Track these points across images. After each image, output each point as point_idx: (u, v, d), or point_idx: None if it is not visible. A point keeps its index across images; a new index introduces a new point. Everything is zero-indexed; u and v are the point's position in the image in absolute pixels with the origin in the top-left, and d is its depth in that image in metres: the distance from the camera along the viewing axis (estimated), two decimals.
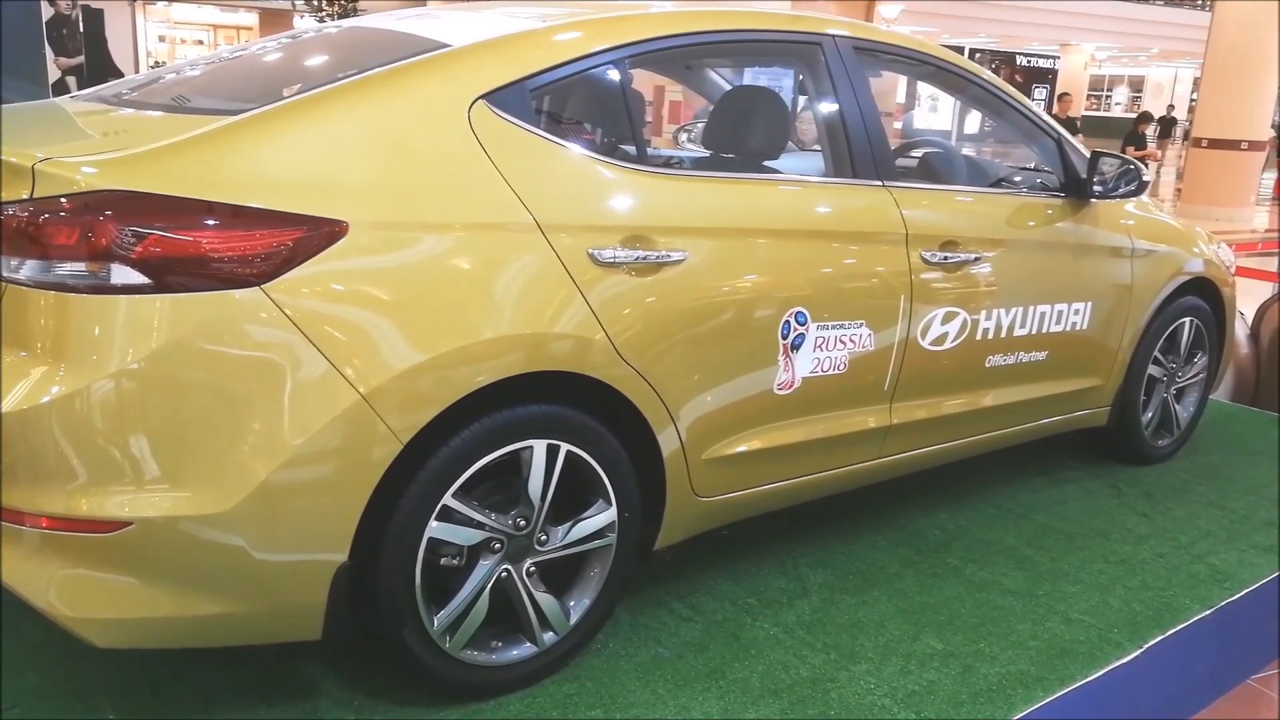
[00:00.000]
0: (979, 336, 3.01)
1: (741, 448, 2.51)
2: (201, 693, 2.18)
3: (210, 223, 1.75)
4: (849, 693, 2.31)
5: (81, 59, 6.85)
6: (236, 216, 1.77)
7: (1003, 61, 32.48)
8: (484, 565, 2.15)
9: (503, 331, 2.00)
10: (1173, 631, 2.67)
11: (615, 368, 2.18)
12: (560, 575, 2.33)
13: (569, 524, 2.25)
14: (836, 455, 2.79)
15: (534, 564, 2.22)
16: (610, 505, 2.29)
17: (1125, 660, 2.52)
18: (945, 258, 2.83)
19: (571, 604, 2.32)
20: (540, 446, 2.14)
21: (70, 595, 1.80)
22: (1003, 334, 3.09)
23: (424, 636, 2.08)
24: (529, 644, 2.25)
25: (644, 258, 2.22)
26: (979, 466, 3.62)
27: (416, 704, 2.18)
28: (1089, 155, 3.32)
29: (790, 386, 2.57)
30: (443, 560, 2.12)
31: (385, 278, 1.89)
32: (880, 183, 2.76)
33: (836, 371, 2.65)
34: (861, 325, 2.66)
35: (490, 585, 2.15)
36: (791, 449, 2.63)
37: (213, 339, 1.76)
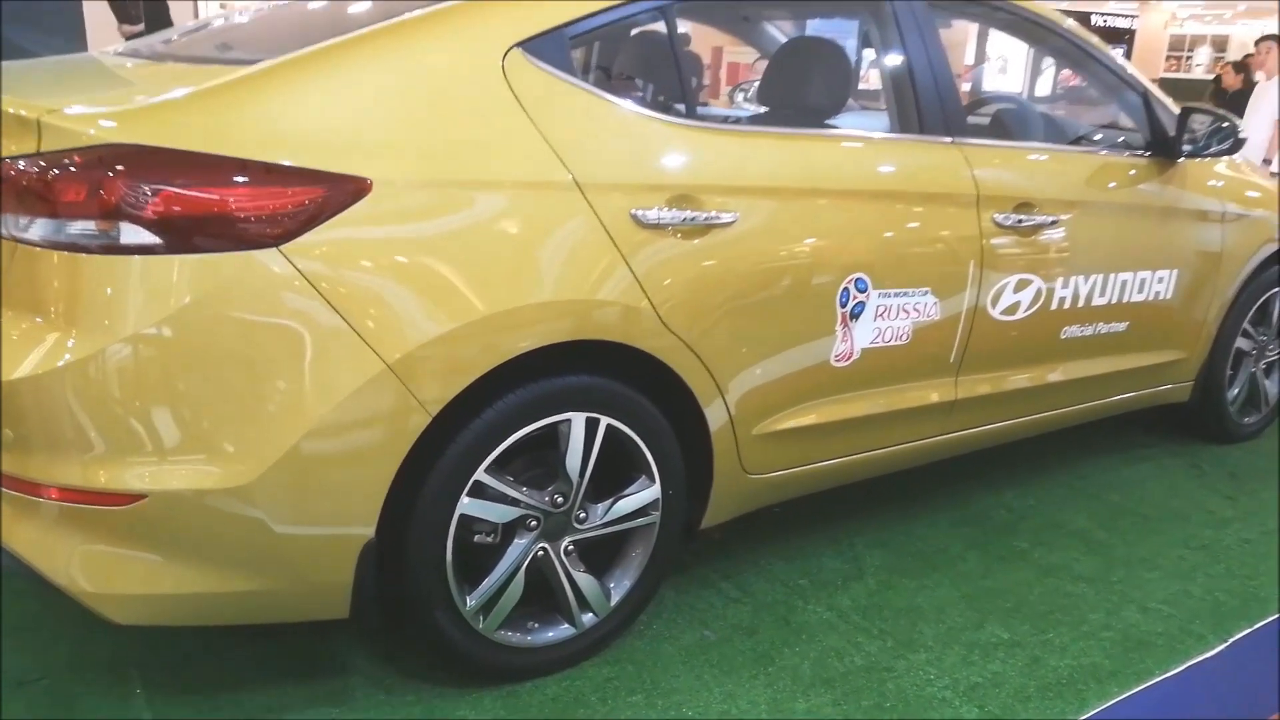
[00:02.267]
0: (1054, 306, 2.81)
1: (795, 423, 2.36)
2: (231, 667, 2.12)
3: (224, 179, 1.64)
4: (907, 683, 2.17)
5: (143, 26, 6.83)
6: (251, 173, 1.66)
7: (1077, 21, 31.26)
8: (519, 543, 2.04)
9: (536, 299, 1.88)
10: (1260, 625, 2.48)
11: (659, 338, 2.05)
12: (601, 555, 2.22)
13: (609, 501, 2.14)
14: (897, 431, 2.63)
15: (572, 542, 2.11)
16: (653, 482, 2.17)
17: (1208, 655, 2.34)
18: (1019, 221, 2.64)
19: (612, 585, 2.21)
20: (579, 420, 2.02)
21: (89, 570, 1.73)
22: (1080, 303, 2.88)
23: (456, 617, 1.98)
24: (567, 625, 2.15)
25: (692, 219, 2.07)
26: (1048, 443, 3.42)
27: (450, 684, 2.09)
28: (1178, 111, 3.08)
29: (848, 358, 2.41)
30: (476, 538, 2.02)
31: (409, 240, 1.77)
32: (950, 139, 2.57)
33: (899, 342, 2.49)
34: (927, 293, 2.49)
35: (526, 564, 2.05)
36: (849, 424, 2.48)
37: (229, 303, 1.66)
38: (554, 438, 2.02)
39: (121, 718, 1.95)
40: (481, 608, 2.02)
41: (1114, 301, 2.98)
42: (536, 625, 2.13)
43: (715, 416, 2.20)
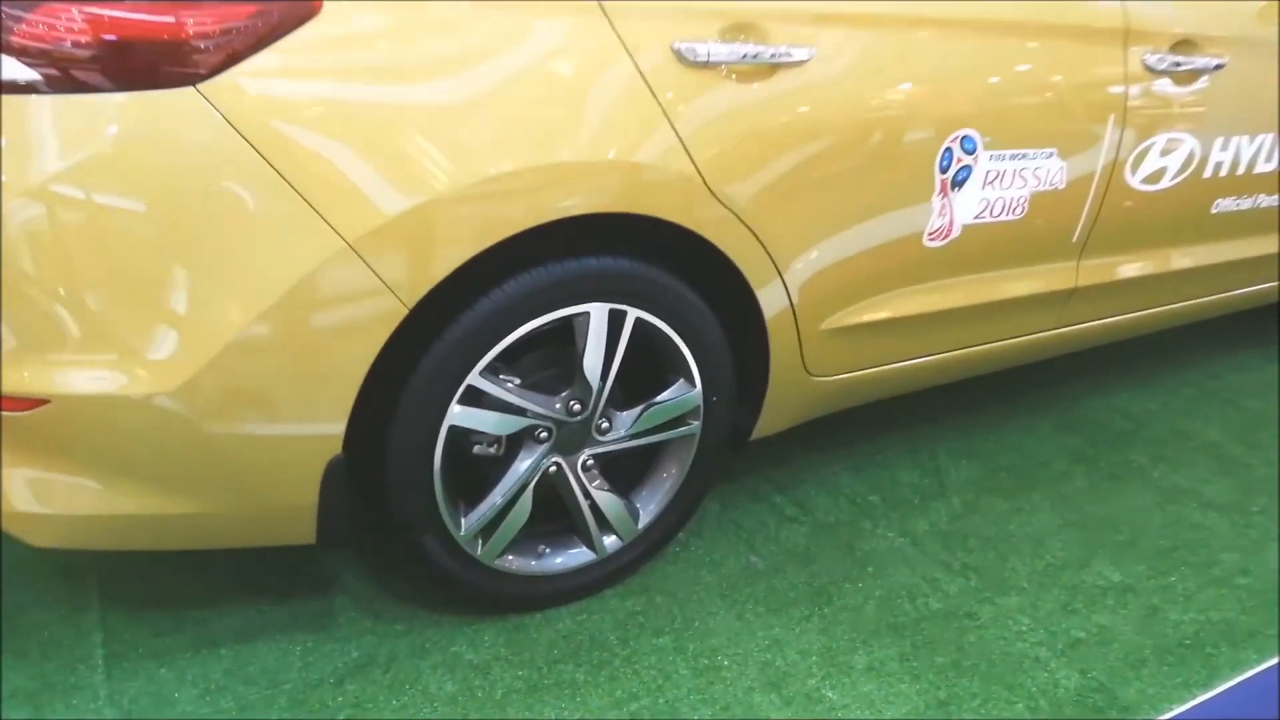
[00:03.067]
0: (1208, 173, 2.27)
1: (873, 315, 1.93)
2: (203, 580, 1.85)
3: None
4: (991, 636, 1.80)
5: None
6: None
7: None
8: (526, 458, 1.69)
9: (537, 161, 1.45)
10: None
11: (705, 209, 1.61)
12: (630, 470, 1.86)
13: (639, 409, 1.76)
14: (1000, 325, 2.17)
15: (593, 456, 1.75)
16: (693, 386, 1.78)
17: None
18: (1176, 63, 2.08)
19: (641, 505, 1.86)
20: (599, 312, 1.62)
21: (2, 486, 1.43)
22: (1239, 170, 2.33)
23: (448, 542, 1.66)
24: (586, 549, 1.82)
25: (754, 56, 1.59)
26: (1175, 338, 2.92)
27: (448, 610, 1.80)
28: None
29: (946, 235, 1.94)
30: (476, 449, 1.67)
31: (372, 79, 1.35)
32: None
33: (1010, 217, 2.00)
34: (1051, 155, 1.98)
35: (535, 481, 1.70)
36: (941, 318, 2.03)
37: (134, 159, 1.28)
38: (571, 333, 1.64)
39: (69, 636, 1.70)
40: (481, 531, 1.69)
41: None
42: (548, 549, 1.80)
43: (773, 307, 1.78)
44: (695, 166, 1.57)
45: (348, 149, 1.35)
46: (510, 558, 1.75)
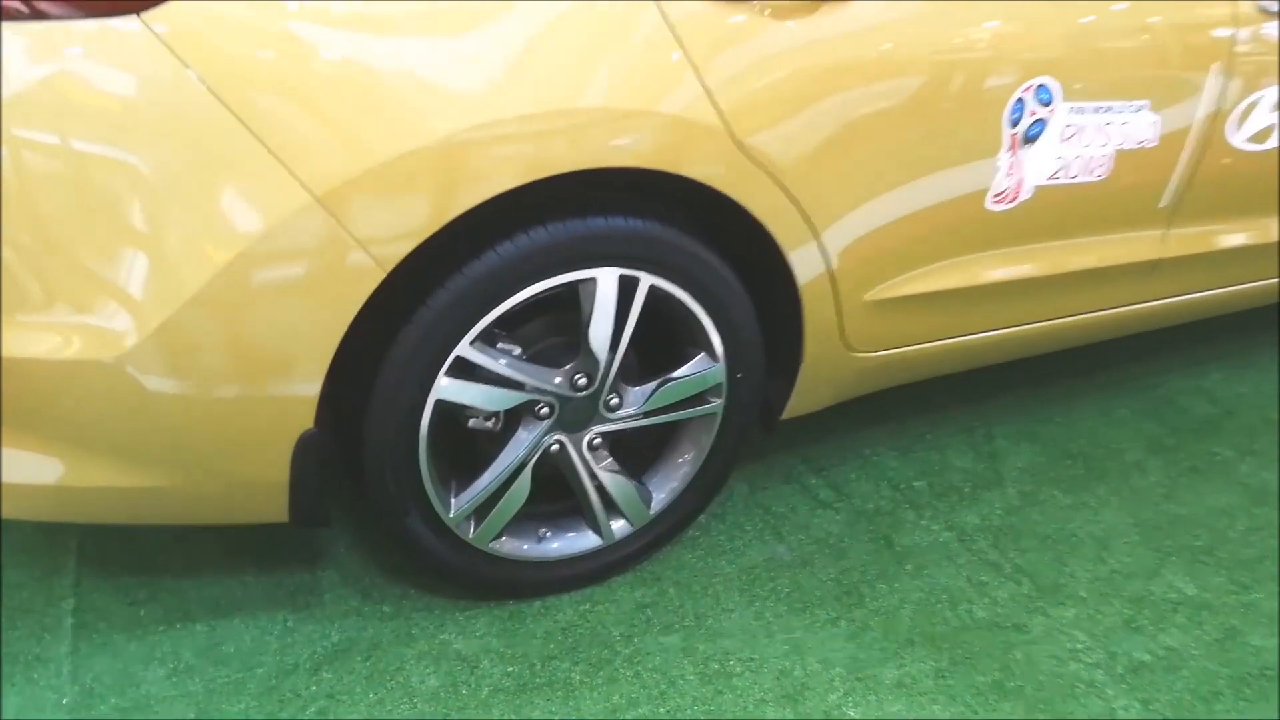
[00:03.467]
0: None
1: (926, 286, 1.71)
2: (184, 548, 1.74)
3: None
4: (1042, 654, 1.60)
5: None
6: None
7: None
8: (524, 435, 1.53)
9: (540, 107, 1.26)
10: None
11: (730, 164, 1.41)
12: (645, 448, 1.70)
13: (654, 384, 1.58)
14: (1071, 299, 1.93)
15: (600, 435, 1.59)
16: (716, 361, 1.59)
17: None
18: None
19: (654, 489, 1.69)
20: (607, 279, 1.44)
21: None
22: None
23: (436, 525, 1.52)
24: (591, 534, 1.66)
25: None
26: (1270, 313, 2.63)
27: (441, 592, 1.66)
28: None
29: (1013, 198, 1.71)
30: (470, 422, 1.52)
31: (348, 15, 1.18)
32: None
33: (1089, 178, 1.76)
34: (1142, 108, 1.73)
35: (534, 460, 1.54)
36: (1003, 290, 1.80)
37: (75, 99, 1.13)
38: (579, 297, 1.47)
39: (40, 600, 1.61)
40: (474, 512, 1.55)
41: None
42: (549, 533, 1.65)
43: (808, 273, 1.58)
44: (719, 114, 1.37)
45: (316, 90, 1.18)
46: (506, 541, 1.61)
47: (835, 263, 1.59)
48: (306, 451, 1.37)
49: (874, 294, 1.67)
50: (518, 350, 1.51)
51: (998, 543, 1.83)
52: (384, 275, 1.28)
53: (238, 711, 1.43)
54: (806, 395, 1.76)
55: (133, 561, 1.69)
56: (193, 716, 1.42)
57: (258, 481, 1.39)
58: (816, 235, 1.55)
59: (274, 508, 1.42)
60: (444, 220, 1.28)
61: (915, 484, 1.98)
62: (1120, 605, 1.71)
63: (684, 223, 1.49)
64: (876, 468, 2.02)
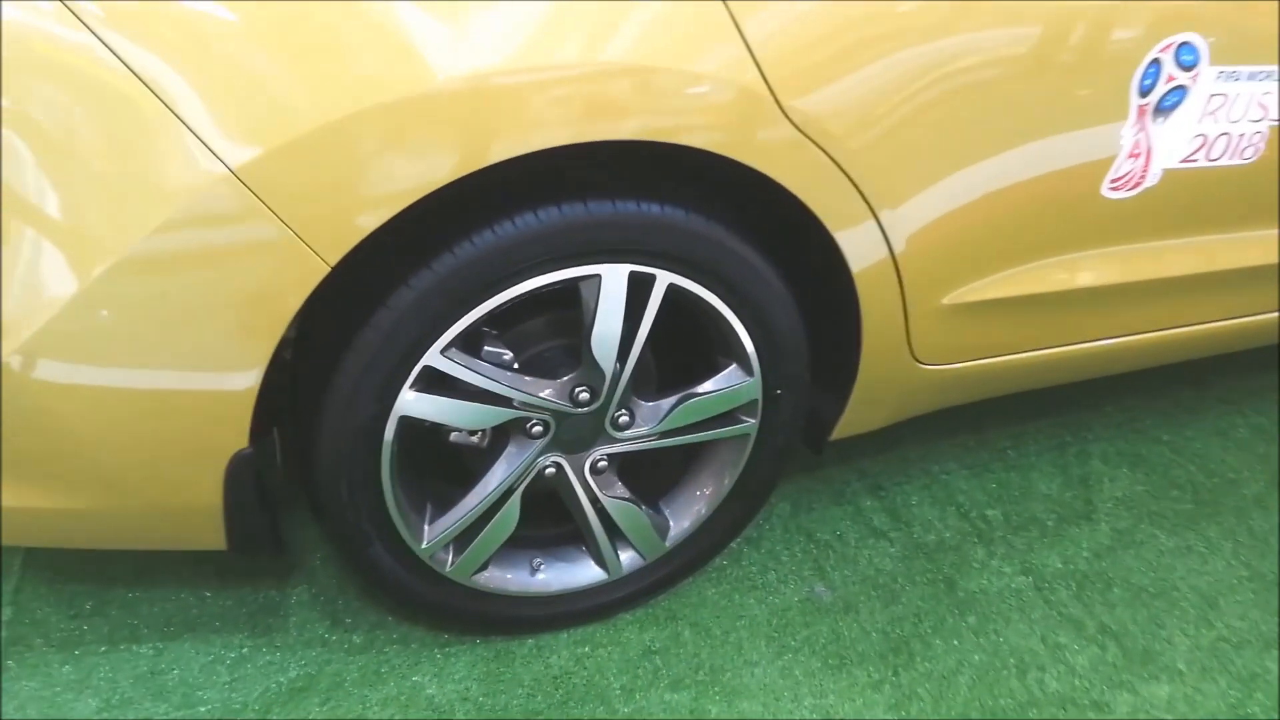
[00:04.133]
0: None
1: (1020, 289, 1.40)
2: (138, 559, 1.53)
3: None
4: None
5: None
6: None
7: None
8: (512, 456, 1.28)
9: (528, 61, 0.99)
10: None
11: (769, 132, 1.12)
12: (662, 469, 1.44)
13: (673, 400, 1.32)
14: (1197, 306, 1.60)
15: (607, 456, 1.33)
16: (750, 375, 1.32)
17: None
18: None
19: (672, 516, 1.44)
20: (614, 276, 1.17)
21: None
22: None
23: (406, 556, 1.29)
24: (594, 566, 1.42)
25: None
26: None
27: (419, 622, 1.44)
28: None
29: (1136, 184, 1.38)
30: (452, 436, 1.28)
31: None
32: None
33: (1235, 160, 1.41)
34: None
35: (525, 484, 1.30)
36: (1116, 294, 1.48)
37: None
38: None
39: None
40: (453, 541, 1.31)
41: None
42: (543, 563, 1.41)
43: (863, 258, 1.28)
44: (764, 78, 1.07)
45: (235, 43, 0.93)
46: (492, 573, 1.37)
47: (900, 247, 1.28)
48: (240, 473, 1.14)
49: (952, 297, 1.37)
50: (508, 355, 1.26)
51: (1082, 593, 1.54)
52: (328, 271, 1.03)
53: None
54: (862, 412, 1.47)
55: (83, 567, 1.50)
56: None
57: (187, 505, 1.17)
58: (882, 227, 1.25)
59: (209, 534, 1.20)
60: (405, 204, 1.02)
61: (988, 513, 1.69)
62: (1226, 684, 1.41)
63: (708, 207, 1.20)
64: (944, 489, 1.73)
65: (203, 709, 1.31)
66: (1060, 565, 1.59)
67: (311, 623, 1.44)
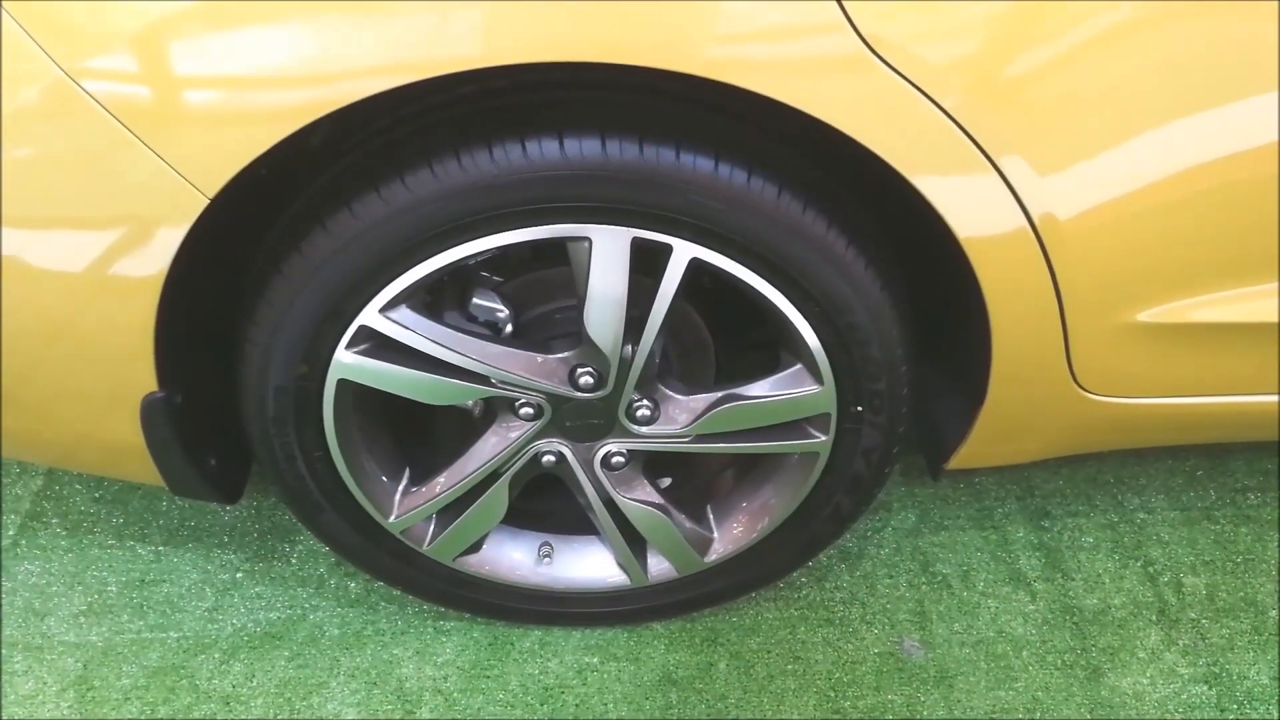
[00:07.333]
0: None
1: (1232, 313, 0.92)
2: (116, 519, 1.36)
3: None
4: None
5: None
6: None
7: None
8: (498, 437, 1.02)
9: None
10: None
11: (835, 67, 0.73)
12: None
13: (712, 399, 0.99)
14: None
15: (625, 451, 1.04)
16: (818, 382, 0.96)
17: None
18: None
19: (717, 529, 1.13)
20: (610, 241, 0.85)
21: None
22: None
23: (370, 527, 1.08)
24: (616, 568, 1.16)
25: None
26: None
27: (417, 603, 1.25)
28: None
29: None
30: None
31: None
32: None
33: None
34: None
35: (515, 470, 1.04)
36: None
37: None
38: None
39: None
40: (434, 516, 1.09)
41: None
42: (552, 551, 1.16)
43: (974, 222, 0.86)
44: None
45: None
46: (485, 555, 1.14)
47: (1058, 264, 0.86)
48: (155, 417, 0.97)
49: (1139, 315, 0.92)
50: (504, 313, 0.98)
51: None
52: (206, 204, 0.80)
53: (117, 693, 1.15)
54: (994, 443, 1.07)
55: (59, 533, 1.37)
56: (70, 700, 1.17)
57: (109, 440, 1.02)
58: (1016, 198, 0.82)
59: (145, 471, 1.06)
60: (302, 123, 0.76)
61: (1187, 580, 1.23)
62: None
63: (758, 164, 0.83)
64: (1135, 534, 1.28)
65: (174, 634, 1.21)
66: (1266, 682, 1.13)
67: (314, 560, 1.29)
